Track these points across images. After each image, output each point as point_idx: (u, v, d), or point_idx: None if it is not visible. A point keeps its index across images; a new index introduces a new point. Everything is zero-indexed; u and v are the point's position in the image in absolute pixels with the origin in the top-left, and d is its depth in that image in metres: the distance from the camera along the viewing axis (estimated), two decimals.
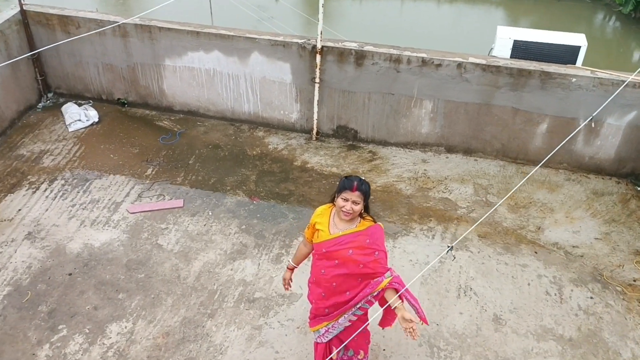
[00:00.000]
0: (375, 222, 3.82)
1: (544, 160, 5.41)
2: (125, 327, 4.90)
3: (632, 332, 5.03)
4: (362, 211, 3.76)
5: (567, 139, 5.74)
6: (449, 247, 3.54)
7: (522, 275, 5.52)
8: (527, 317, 5.13)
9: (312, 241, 3.98)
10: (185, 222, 5.96)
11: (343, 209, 3.67)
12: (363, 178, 3.73)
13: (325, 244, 3.79)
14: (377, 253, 3.75)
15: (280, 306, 5.13)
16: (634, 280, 5.50)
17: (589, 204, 6.37)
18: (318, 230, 3.84)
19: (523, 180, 5.09)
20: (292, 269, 4.30)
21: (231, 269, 5.47)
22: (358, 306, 3.88)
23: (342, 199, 3.68)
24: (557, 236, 5.96)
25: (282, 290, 5.23)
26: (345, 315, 3.93)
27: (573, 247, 5.85)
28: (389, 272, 3.78)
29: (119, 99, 7.54)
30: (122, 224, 5.90)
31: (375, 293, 3.81)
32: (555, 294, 5.35)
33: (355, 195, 3.64)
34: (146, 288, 5.26)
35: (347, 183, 3.66)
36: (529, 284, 5.43)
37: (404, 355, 4.78)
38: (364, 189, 3.67)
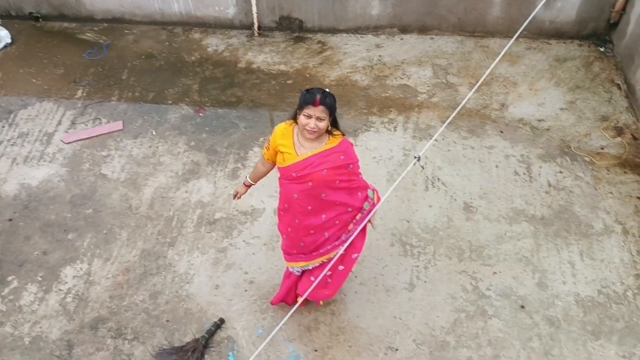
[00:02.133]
0: (344, 137, 3.45)
1: (518, 33, 5.00)
2: (81, 269, 4.58)
3: (603, 202, 4.95)
4: (330, 127, 3.35)
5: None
6: (415, 157, 3.23)
7: (489, 158, 5.31)
8: (498, 201, 4.99)
9: (273, 162, 3.61)
10: (128, 146, 5.47)
11: (307, 127, 3.26)
12: (327, 90, 3.28)
13: (294, 167, 3.40)
14: (351, 166, 3.44)
15: (244, 224, 4.85)
16: (602, 148, 5.36)
17: (552, 72, 6.08)
18: (283, 152, 3.43)
19: (446, 123, 4.68)
20: (248, 186, 3.93)
21: (186, 191, 5.10)
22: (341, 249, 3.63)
23: (304, 115, 3.25)
24: (522, 111, 5.72)
25: (243, 208, 4.93)
26: (331, 256, 3.66)
27: (539, 121, 5.63)
28: (370, 190, 3.58)
29: (30, 13, 6.66)
30: (59, 157, 5.38)
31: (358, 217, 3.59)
32: (524, 173, 5.19)
33: (319, 111, 3.20)
34: (96, 224, 4.88)
35: (309, 97, 3.21)
36: (496, 166, 5.25)
37: (377, 257, 4.62)
38: (328, 102, 3.22)
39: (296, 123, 3.37)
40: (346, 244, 3.59)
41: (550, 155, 5.32)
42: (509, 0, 6.05)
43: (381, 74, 6.08)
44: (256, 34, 6.49)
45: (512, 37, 6.29)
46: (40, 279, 4.52)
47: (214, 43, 6.48)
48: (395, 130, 5.55)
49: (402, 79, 6.04)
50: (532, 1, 6.00)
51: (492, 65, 4.30)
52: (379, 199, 3.65)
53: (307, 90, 3.27)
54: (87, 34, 6.61)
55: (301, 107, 3.26)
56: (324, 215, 3.53)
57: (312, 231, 3.59)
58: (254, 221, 4.87)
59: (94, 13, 6.61)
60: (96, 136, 5.54)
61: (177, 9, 6.46)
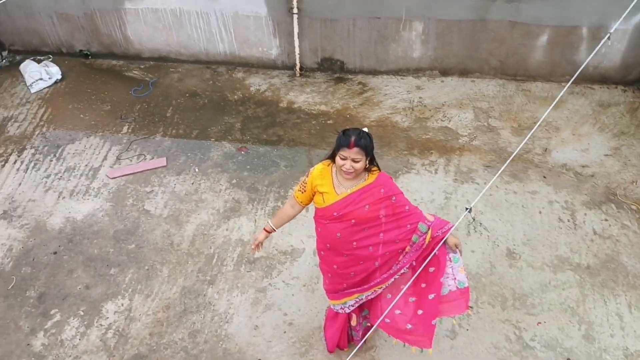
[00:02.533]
0: (381, 171, 3.46)
1: (573, 78, 4.97)
2: (122, 305, 4.62)
3: None
4: (367, 165, 3.35)
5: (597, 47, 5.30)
6: (467, 208, 3.20)
7: (532, 204, 5.24)
8: (542, 248, 4.90)
9: (305, 205, 3.61)
10: (172, 183, 5.56)
11: (343, 169, 3.27)
12: (364, 130, 3.28)
13: (336, 206, 3.38)
14: (393, 198, 3.39)
15: (283, 264, 4.84)
16: None
17: (596, 117, 6.01)
18: (322, 193, 3.43)
19: (496, 176, 4.65)
20: (269, 232, 3.77)
21: (226, 229, 5.13)
22: (401, 272, 3.57)
23: (340, 157, 3.26)
24: (565, 157, 5.64)
25: (283, 247, 4.94)
26: (385, 286, 3.63)
27: (583, 167, 5.55)
28: (421, 223, 3.47)
29: (80, 50, 6.90)
30: (104, 192, 5.49)
31: (416, 241, 3.49)
32: (569, 220, 5.10)
33: (354, 152, 3.20)
34: (138, 259, 4.94)
35: (344, 139, 3.22)
36: (540, 212, 5.16)
37: None
38: (363, 143, 3.21)
39: (334, 163, 3.38)
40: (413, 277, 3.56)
41: (595, 203, 5.22)
42: (551, 45, 6.04)
43: (422, 116, 6.10)
44: (298, 75, 6.59)
45: (554, 81, 6.31)
46: (82, 313, 4.57)
47: (257, 82, 6.60)
48: (436, 172, 5.53)
49: (442, 121, 6.04)
50: (575, 46, 5.99)
51: (543, 116, 4.26)
52: (440, 227, 3.51)
53: (344, 132, 3.28)
54: (134, 72, 6.81)
55: (337, 148, 3.27)
56: (371, 248, 3.50)
57: (361, 262, 3.57)
58: (293, 261, 4.86)
59: (141, 51, 6.81)
60: (140, 172, 5.64)
61: (222, 49, 6.62)
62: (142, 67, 6.87)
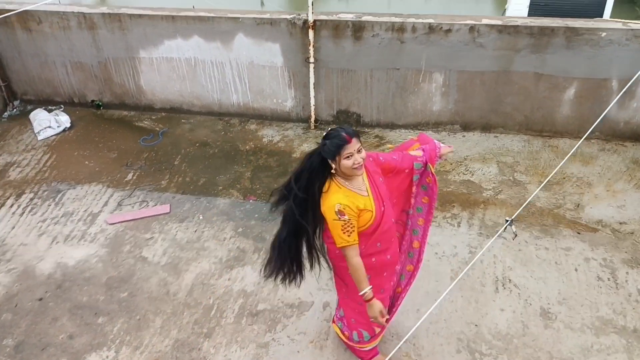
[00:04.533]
0: None
1: (576, 146, 4.64)
2: (107, 357, 4.11)
3: None
4: None
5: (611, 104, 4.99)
6: (507, 220, 2.79)
7: (566, 260, 4.74)
8: (580, 308, 4.35)
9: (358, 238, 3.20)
10: (173, 230, 5.18)
11: (355, 165, 3.03)
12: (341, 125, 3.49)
13: (376, 201, 3.25)
14: (381, 157, 3.45)
15: (289, 318, 4.34)
16: None
17: (631, 174, 5.60)
18: (363, 209, 3.15)
19: (537, 190, 4.27)
20: (374, 296, 3.27)
21: (228, 279, 4.68)
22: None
23: (345, 158, 3.00)
24: (600, 213, 5.19)
25: (289, 300, 4.45)
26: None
27: (620, 223, 5.08)
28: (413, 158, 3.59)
29: (92, 100, 6.77)
30: (100, 237, 5.12)
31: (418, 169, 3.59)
32: (609, 279, 4.57)
33: (354, 143, 3.03)
34: (130, 309, 4.47)
35: (339, 140, 3.00)
36: (576, 270, 4.65)
37: None
38: (353, 131, 3.08)
39: (336, 182, 3.15)
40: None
41: (637, 261, 4.70)
42: (579, 98, 5.76)
43: (442, 169, 5.74)
44: (312, 127, 6.35)
45: (582, 138, 5.96)
46: None
47: (270, 134, 6.35)
48: (459, 226, 5.09)
49: (465, 174, 5.67)
50: (604, 99, 5.69)
51: (562, 163, 3.90)
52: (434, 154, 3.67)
53: (327, 138, 3.06)
54: (145, 122, 6.62)
55: (337, 153, 3.00)
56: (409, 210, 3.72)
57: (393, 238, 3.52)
58: (300, 315, 4.36)
59: (153, 102, 6.66)
60: (141, 218, 5.29)
61: (236, 100, 6.44)
62: (154, 117, 6.69)
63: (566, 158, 5.07)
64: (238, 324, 4.31)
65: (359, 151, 3.03)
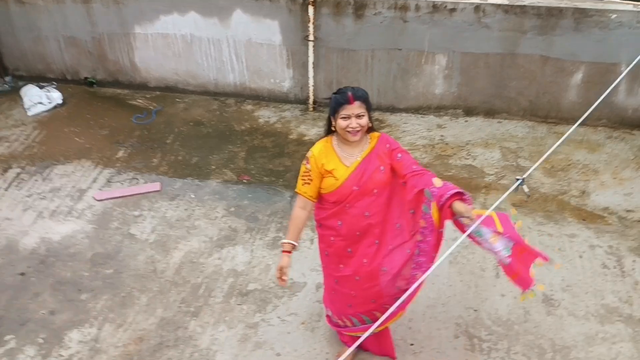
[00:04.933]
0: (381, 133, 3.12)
1: (577, 124, 4.45)
2: (89, 334, 3.93)
3: None
4: (371, 124, 3.02)
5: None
6: (518, 179, 2.62)
7: (571, 247, 4.56)
8: (584, 295, 4.17)
9: (316, 198, 3.08)
10: (163, 208, 4.99)
11: (349, 129, 2.87)
12: (355, 86, 2.99)
13: (352, 178, 2.99)
14: (399, 155, 3.05)
15: (280, 298, 4.16)
16: None
17: (638, 162, 5.40)
18: (331, 171, 2.98)
19: (554, 147, 4.07)
20: (290, 251, 3.13)
21: (219, 258, 4.50)
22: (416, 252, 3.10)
23: (342, 118, 2.88)
24: (607, 200, 5.01)
25: None
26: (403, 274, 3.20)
27: (627, 211, 4.89)
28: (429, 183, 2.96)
29: (86, 77, 6.58)
30: (88, 213, 4.94)
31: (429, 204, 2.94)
32: (615, 267, 4.39)
33: (356, 107, 2.87)
34: (115, 286, 4.29)
35: (341, 97, 2.89)
36: (580, 257, 4.47)
37: (437, 350, 3.81)
38: (362, 94, 2.90)
39: (331, 137, 3.05)
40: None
41: None
42: (587, 84, 5.57)
43: (443, 153, 5.55)
44: (311, 109, 6.16)
45: (590, 125, 5.77)
46: (41, 341, 3.88)
47: (266, 115, 6.16)
48: None
49: (466, 159, 5.48)
50: (614, 86, 5.49)
51: (556, 145, 3.70)
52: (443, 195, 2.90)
53: (336, 92, 2.94)
54: (139, 100, 6.42)
55: (335, 110, 2.90)
56: (398, 224, 3.11)
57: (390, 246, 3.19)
58: (292, 296, 4.18)
59: (148, 80, 6.47)
60: (130, 195, 5.10)
61: (232, 79, 6.25)
62: (148, 96, 6.49)
63: (564, 138, 4.89)
64: (227, 304, 4.13)
65: (359, 116, 2.88)
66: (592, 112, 4.73)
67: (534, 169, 3.23)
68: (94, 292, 4.24)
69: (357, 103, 2.86)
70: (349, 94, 2.86)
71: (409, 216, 3.10)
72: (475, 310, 4.06)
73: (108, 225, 4.81)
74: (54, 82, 6.60)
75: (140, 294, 4.21)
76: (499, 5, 5.32)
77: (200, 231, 4.74)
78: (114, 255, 4.54)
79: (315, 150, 3.06)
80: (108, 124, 6.05)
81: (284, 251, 3.13)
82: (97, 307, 4.13)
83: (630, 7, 5.19)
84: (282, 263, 3.09)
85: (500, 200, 2.79)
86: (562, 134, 5.79)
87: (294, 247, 3.14)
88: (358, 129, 2.89)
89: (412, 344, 3.83)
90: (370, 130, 3.05)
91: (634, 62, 4.71)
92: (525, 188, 2.88)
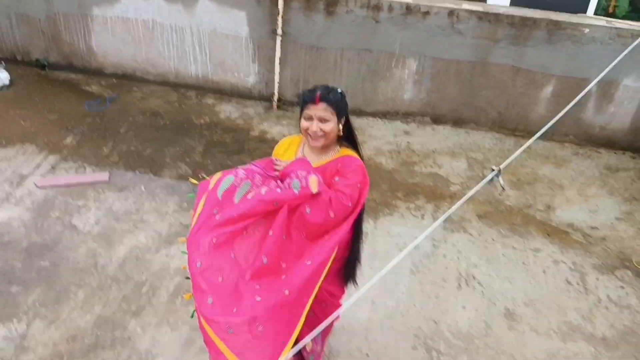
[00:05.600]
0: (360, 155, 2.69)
1: (550, 124, 4.34)
2: (16, 330, 3.56)
3: None
4: (341, 133, 2.61)
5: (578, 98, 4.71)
6: (493, 169, 2.44)
7: (534, 262, 4.42)
8: (547, 311, 4.02)
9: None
10: (110, 199, 4.66)
11: (309, 132, 2.53)
12: (333, 86, 2.58)
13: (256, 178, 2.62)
14: (337, 178, 2.54)
15: None
16: None
17: (604, 180, 5.35)
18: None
19: (527, 144, 3.96)
20: None
21: (166, 255, 4.19)
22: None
23: (304, 118, 2.54)
24: (572, 216, 4.91)
25: None
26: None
27: (592, 228, 4.80)
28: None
29: (37, 59, 6.19)
30: (27, 201, 4.56)
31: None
32: (578, 283, 4.27)
33: (321, 109, 2.48)
34: (50, 279, 3.93)
35: (308, 95, 2.53)
36: (544, 272, 4.34)
37: None
38: (332, 97, 2.51)
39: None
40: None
41: (608, 267, 4.42)
42: (556, 97, 5.50)
43: (409, 160, 5.39)
44: (275, 107, 5.92)
45: (557, 141, 5.70)
46: None
47: (228, 110, 5.89)
48: (423, 218, 4.73)
49: (432, 167, 5.33)
50: (582, 101, 5.44)
51: (519, 151, 3.58)
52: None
53: (310, 89, 2.58)
54: (93, 86, 6.07)
55: (301, 108, 2.56)
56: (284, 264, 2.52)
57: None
58: None
59: (104, 66, 6.12)
60: (76, 184, 4.75)
61: (194, 71, 5.97)
62: (103, 83, 6.15)
63: (529, 143, 4.78)
64: (172, 304, 3.82)
65: (322, 120, 2.50)
66: (560, 121, 4.66)
67: (510, 161, 3.00)
68: (25, 285, 3.87)
69: (322, 105, 2.49)
70: (317, 93, 2.50)
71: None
72: (435, 322, 3.86)
73: (48, 214, 4.45)
74: (2, 62, 6.19)
75: (77, 289, 3.87)
76: (473, 12, 5.21)
77: (149, 226, 4.43)
78: (52, 247, 4.18)
79: (281, 142, 2.83)
80: (58, 108, 5.68)
81: None
82: (28, 301, 3.76)
83: (603, 22, 5.15)
84: None
85: (474, 190, 2.61)
86: (530, 148, 5.74)
87: None
88: (319, 134, 2.53)
89: (367, 355, 3.60)
90: (348, 142, 2.70)
91: (600, 76, 4.66)
92: (501, 180, 2.70)
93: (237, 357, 2.27)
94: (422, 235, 2.36)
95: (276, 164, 2.61)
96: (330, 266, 2.48)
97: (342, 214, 2.46)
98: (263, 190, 2.45)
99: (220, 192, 2.49)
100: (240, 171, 2.57)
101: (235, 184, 2.51)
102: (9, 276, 3.92)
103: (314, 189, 2.40)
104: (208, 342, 2.37)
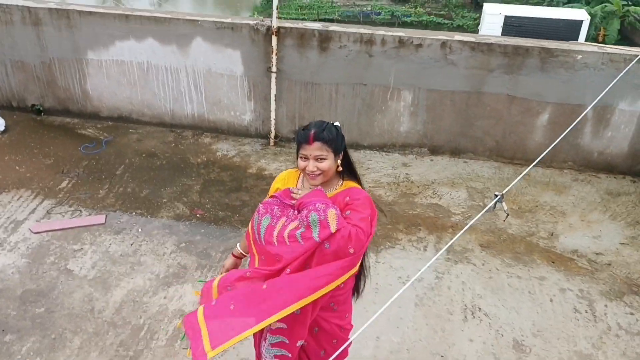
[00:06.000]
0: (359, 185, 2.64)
1: (547, 151, 4.32)
2: None
3: None
4: (341, 168, 2.55)
5: (574, 124, 4.71)
6: (496, 195, 2.38)
7: (541, 290, 4.33)
8: (556, 341, 3.91)
9: None
10: (107, 242, 4.59)
11: (306, 171, 2.49)
12: (329, 122, 2.53)
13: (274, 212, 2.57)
14: (348, 212, 2.46)
15: None
16: None
17: (605, 205, 5.30)
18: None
19: (529, 168, 3.91)
20: (239, 257, 2.97)
21: (164, 297, 4.10)
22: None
23: (301, 158, 2.50)
24: (576, 242, 4.84)
25: None
26: None
27: (596, 254, 4.72)
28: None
29: (33, 105, 6.20)
30: (22, 247, 4.49)
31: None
32: (587, 311, 4.17)
33: (316, 148, 2.44)
34: (45, 326, 3.83)
35: (302, 135, 2.48)
36: (551, 300, 4.24)
37: None
38: (327, 136, 2.45)
39: None
40: None
41: (615, 294, 4.32)
42: (552, 125, 5.49)
43: (408, 192, 5.34)
44: (272, 143, 5.90)
45: (556, 167, 5.67)
46: None
47: (225, 148, 5.87)
48: (425, 250, 4.65)
49: (432, 198, 5.28)
50: (578, 127, 5.43)
51: (520, 176, 3.53)
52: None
53: (304, 127, 2.53)
54: (89, 130, 6.06)
55: (297, 147, 2.52)
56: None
57: None
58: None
59: (100, 110, 6.13)
60: (71, 228, 4.69)
61: (190, 111, 5.97)
62: (99, 126, 6.14)
63: (529, 168, 4.73)
64: (171, 347, 3.71)
65: (318, 159, 2.46)
66: (558, 147, 4.63)
67: (512, 186, 2.94)
68: (20, 334, 3.76)
69: (317, 144, 2.44)
70: (311, 132, 2.45)
71: None
72: (442, 356, 3.74)
73: (43, 260, 4.37)
74: None
75: (73, 336, 3.76)
76: (465, 42, 5.25)
77: (146, 268, 4.35)
78: (46, 293, 4.09)
79: (280, 175, 2.77)
80: (53, 152, 5.66)
81: (232, 254, 3.01)
82: (22, 350, 3.65)
83: (595, 48, 5.18)
84: (226, 263, 3.01)
85: (478, 216, 2.57)
86: (529, 176, 5.72)
87: (242, 256, 2.97)
88: (317, 173, 2.49)
89: None
90: (350, 174, 2.65)
91: (595, 101, 4.66)
92: (504, 205, 2.65)
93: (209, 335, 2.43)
94: (429, 262, 2.29)
95: (293, 193, 2.57)
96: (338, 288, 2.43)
97: (361, 249, 2.41)
98: (280, 223, 2.48)
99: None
100: (260, 207, 2.59)
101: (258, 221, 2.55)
102: (2, 325, 3.81)
103: (333, 227, 2.35)
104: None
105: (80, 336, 3.77)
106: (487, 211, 2.64)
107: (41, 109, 6.20)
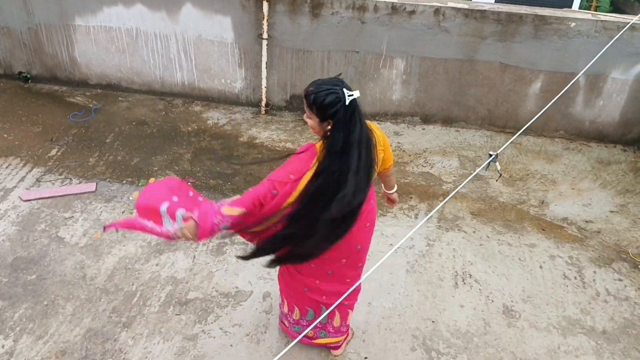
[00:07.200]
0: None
1: (539, 114, 4.32)
2: (3, 346, 3.45)
3: None
4: (328, 134, 2.51)
5: (564, 90, 4.70)
6: (490, 154, 2.38)
7: (531, 257, 4.37)
8: (546, 306, 3.97)
9: None
10: (97, 210, 4.56)
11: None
12: (341, 90, 2.42)
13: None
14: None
15: (223, 308, 3.79)
16: None
17: (596, 174, 5.33)
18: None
19: (525, 127, 3.93)
20: None
21: (156, 264, 4.10)
22: None
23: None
24: (566, 210, 4.87)
25: (225, 289, 3.91)
26: None
27: (586, 222, 4.76)
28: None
29: (20, 72, 6.09)
30: (12, 214, 4.46)
31: None
32: (576, 277, 4.22)
33: (305, 104, 2.52)
34: (37, 293, 3.83)
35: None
36: (541, 267, 4.28)
37: None
38: (313, 98, 2.42)
39: None
40: None
41: (604, 260, 4.38)
42: (545, 93, 5.48)
43: (400, 160, 5.33)
44: (263, 112, 5.85)
45: (547, 136, 5.67)
46: None
47: (215, 116, 5.82)
48: (416, 217, 4.67)
49: (424, 166, 5.28)
50: (571, 97, 5.43)
51: (516, 135, 3.53)
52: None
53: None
54: (77, 98, 5.98)
55: None
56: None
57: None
58: (236, 305, 3.81)
59: (88, 77, 6.04)
60: (61, 196, 4.65)
61: (180, 78, 5.90)
62: (88, 94, 6.06)
63: (516, 135, 4.74)
64: (163, 314, 3.73)
65: (307, 116, 2.54)
66: (550, 116, 4.60)
67: (506, 147, 2.95)
68: (12, 300, 3.76)
69: (305, 101, 2.52)
70: (308, 89, 2.49)
71: None
72: (433, 322, 3.79)
73: (34, 228, 4.35)
74: None
75: (65, 303, 3.77)
76: (459, 9, 5.19)
77: (138, 235, 4.33)
78: (38, 260, 4.07)
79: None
80: (42, 120, 5.58)
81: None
82: (14, 316, 3.65)
83: (588, 16, 5.14)
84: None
85: (470, 177, 2.57)
86: (521, 144, 5.73)
87: None
88: (310, 125, 2.58)
89: (365, 358, 3.52)
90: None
91: (586, 67, 4.64)
92: (498, 165, 2.65)
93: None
94: (417, 225, 2.29)
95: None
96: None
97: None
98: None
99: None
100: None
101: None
102: None
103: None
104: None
105: (72, 303, 3.77)
106: (481, 170, 2.62)
107: (28, 76, 6.09)
